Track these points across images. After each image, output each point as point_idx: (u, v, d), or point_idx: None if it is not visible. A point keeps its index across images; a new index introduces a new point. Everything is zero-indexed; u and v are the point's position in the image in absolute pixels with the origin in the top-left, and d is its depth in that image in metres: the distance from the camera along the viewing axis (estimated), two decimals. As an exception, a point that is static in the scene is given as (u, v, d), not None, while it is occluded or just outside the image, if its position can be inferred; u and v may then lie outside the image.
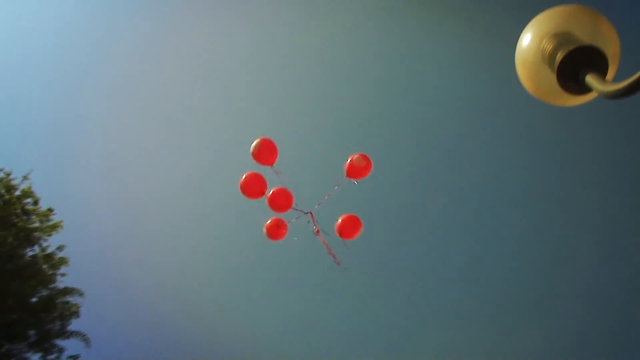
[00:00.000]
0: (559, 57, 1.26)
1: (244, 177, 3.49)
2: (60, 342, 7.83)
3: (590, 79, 1.15)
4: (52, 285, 8.10)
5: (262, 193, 3.42)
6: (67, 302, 8.10)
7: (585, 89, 1.23)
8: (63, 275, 8.43)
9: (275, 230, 3.51)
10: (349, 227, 3.48)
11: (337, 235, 3.49)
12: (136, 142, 9.70)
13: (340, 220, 3.51)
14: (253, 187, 3.51)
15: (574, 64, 1.22)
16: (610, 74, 1.25)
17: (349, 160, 3.45)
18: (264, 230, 3.54)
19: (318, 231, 3.43)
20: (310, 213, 3.46)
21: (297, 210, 3.47)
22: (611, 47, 1.26)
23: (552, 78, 1.35)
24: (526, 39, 1.37)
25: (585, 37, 1.28)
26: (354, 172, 3.43)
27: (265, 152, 3.40)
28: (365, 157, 3.45)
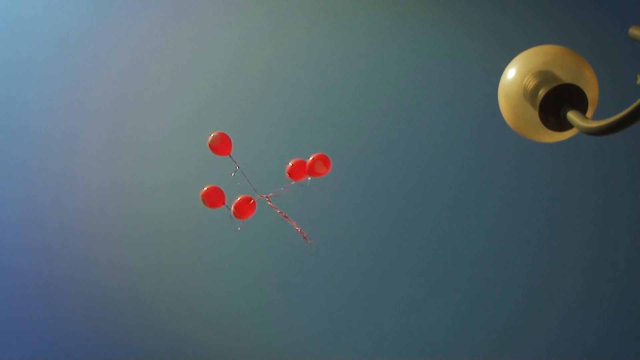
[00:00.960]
0: (542, 92, 1.30)
1: (205, 188, 3.74)
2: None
3: (572, 116, 1.19)
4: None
5: (223, 203, 3.62)
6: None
7: (565, 126, 1.27)
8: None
9: (244, 208, 3.72)
10: (315, 169, 3.72)
11: (308, 175, 3.73)
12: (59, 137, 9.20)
13: (311, 159, 3.74)
14: (214, 198, 3.73)
15: (556, 101, 1.26)
16: (588, 116, 1.29)
17: (310, 159, 3.68)
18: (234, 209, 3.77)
19: (285, 215, 3.66)
20: (267, 198, 3.68)
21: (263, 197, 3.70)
22: (591, 92, 1.31)
23: (532, 113, 1.39)
24: (510, 73, 1.42)
25: (567, 78, 1.33)
26: (313, 173, 3.67)
27: (223, 144, 3.66)
28: (325, 162, 3.68)
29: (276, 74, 8.59)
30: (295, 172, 3.80)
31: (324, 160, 3.82)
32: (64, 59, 8.55)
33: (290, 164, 3.82)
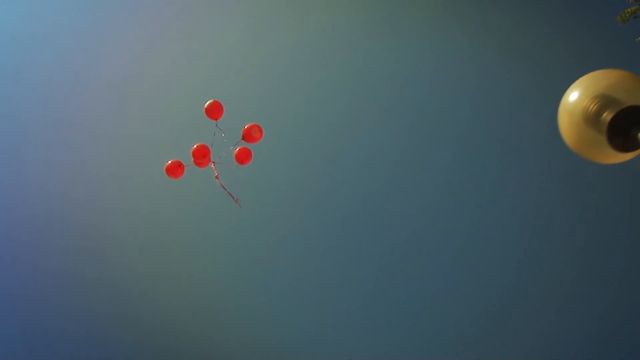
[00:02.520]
0: (608, 114, 1.37)
1: (195, 146, 3.81)
2: None
3: (645, 136, 1.27)
4: None
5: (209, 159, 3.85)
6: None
7: (631, 147, 1.35)
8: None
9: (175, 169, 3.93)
10: (251, 134, 3.86)
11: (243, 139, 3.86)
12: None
13: (246, 127, 3.87)
14: (201, 154, 3.95)
15: (625, 122, 1.34)
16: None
17: (245, 127, 3.83)
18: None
19: (217, 176, 3.94)
20: (214, 163, 3.94)
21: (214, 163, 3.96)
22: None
23: (590, 134, 1.47)
24: (573, 95, 1.48)
25: (628, 102, 1.41)
26: (250, 139, 3.84)
27: (217, 110, 3.78)
28: (259, 130, 4.05)
29: (274, 71, 8.55)
30: (199, 157, 3.96)
31: (258, 128, 4.04)
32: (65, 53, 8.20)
33: (195, 146, 4.00)
